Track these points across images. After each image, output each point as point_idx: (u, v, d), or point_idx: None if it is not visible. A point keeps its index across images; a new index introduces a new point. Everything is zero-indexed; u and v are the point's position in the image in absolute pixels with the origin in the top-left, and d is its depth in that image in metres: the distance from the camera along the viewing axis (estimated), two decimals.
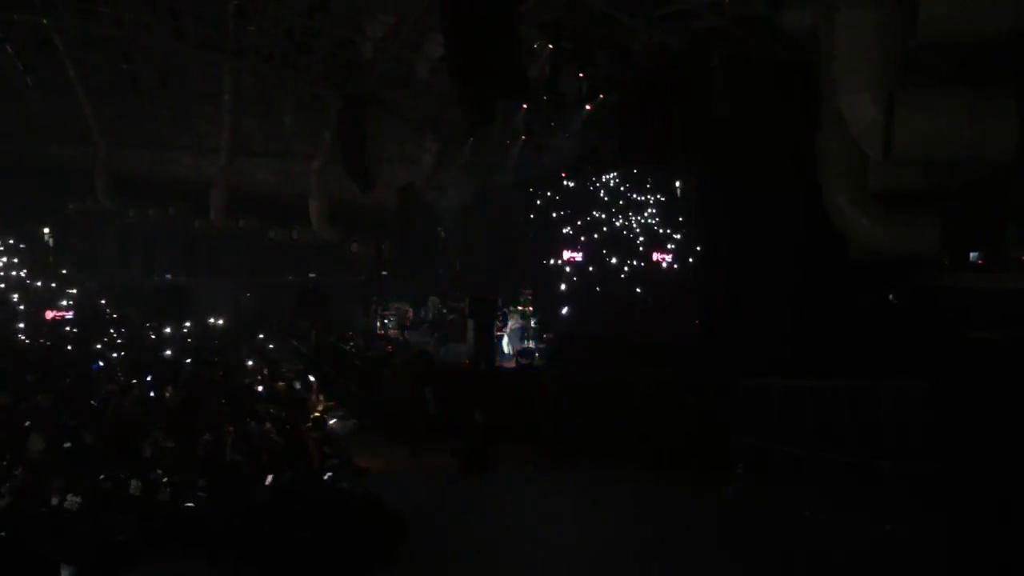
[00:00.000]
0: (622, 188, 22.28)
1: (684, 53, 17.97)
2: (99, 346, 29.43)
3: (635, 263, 20.61)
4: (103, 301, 48.08)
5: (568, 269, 23.26)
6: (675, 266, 18.59)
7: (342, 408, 20.39)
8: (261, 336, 36.39)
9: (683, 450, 14.65)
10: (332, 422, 17.36)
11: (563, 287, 23.23)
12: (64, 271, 50.15)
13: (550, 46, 20.05)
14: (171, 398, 17.33)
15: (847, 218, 15.49)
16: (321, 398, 19.29)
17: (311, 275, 45.16)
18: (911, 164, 14.55)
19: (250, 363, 25.59)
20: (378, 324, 32.14)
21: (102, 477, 11.51)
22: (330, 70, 30.75)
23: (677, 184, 20.44)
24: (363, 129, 29.87)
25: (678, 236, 18.94)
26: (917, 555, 10.46)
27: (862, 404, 13.43)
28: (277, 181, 41.24)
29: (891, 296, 16.78)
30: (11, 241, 51.41)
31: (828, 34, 14.90)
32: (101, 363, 23.80)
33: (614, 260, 22.12)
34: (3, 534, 9.64)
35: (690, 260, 17.53)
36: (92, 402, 17.27)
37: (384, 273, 31.91)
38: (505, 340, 24.12)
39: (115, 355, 26.79)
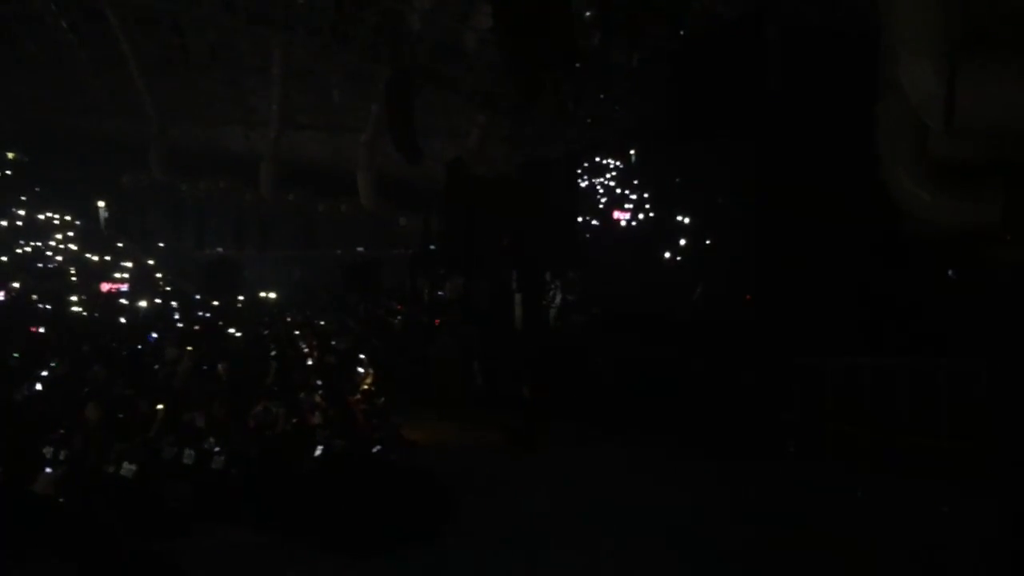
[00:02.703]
0: (669, 162, 21.94)
1: (738, 22, 17.57)
2: (153, 318, 29.98)
3: (684, 238, 20.28)
4: (157, 274, 48.95)
5: (615, 243, 23.02)
6: (725, 242, 18.25)
7: (391, 381, 20.51)
8: (310, 309, 36.80)
9: (733, 428, 14.46)
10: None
11: (610, 262, 23.01)
12: (119, 244, 51.07)
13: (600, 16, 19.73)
14: (223, 370, 17.54)
15: (906, 191, 15.08)
16: (370, 371, 19.38)
17: (359, 248, 45.47)
18: (973, 135, 14.09)
19: (299, 335, 25.82)
20: (425, 296, 32.18)
21: (156, 446, 11.71)
22: (378, 42, 30.71)
23: (728, 158, 20.04)
24: (411, 102, 29.80)
25: (729, 211, 18.54)
26: (972, 538, 10.22)
27: (919, 383, 13.13)
28: (326, 154, 41.46)
29: (950, 272, 16.34)
30: (68, 217, 52.43)
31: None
32: (155, 335, 24.19)
33: (661, 235, 21.84)
34: (61, 500, 9.85)
35: (742, 236, 17.18)
36: (147, 373, 17.58)
37: (432, 247, 31.92)
38: (553, 314, 24.00)
39: (168, 327, 27.24)
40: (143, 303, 35.87)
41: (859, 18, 15.80)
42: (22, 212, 51.62)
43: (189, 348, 20.88)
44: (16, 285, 40.45)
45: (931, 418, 12.79)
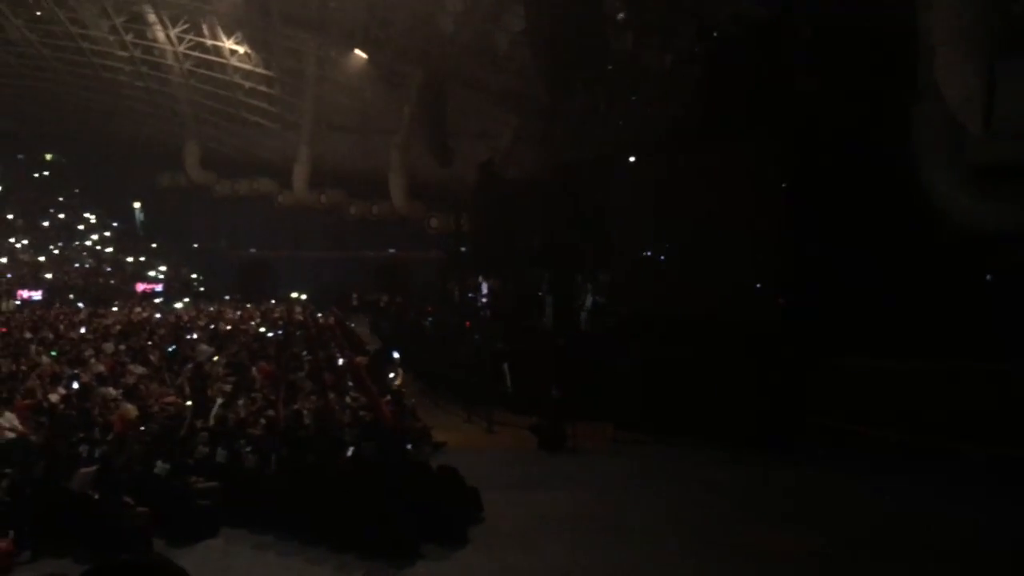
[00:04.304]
0: (701, 162, 21.73)
1: (770, 23, 17.43)
2: (187, 319, 30.30)
3: (711, 239, 20.10)
4: (192, 275, 49.50)
5: (643, 246, 22.88)
6: (755, 243, 18.08)
7: (420, 382, 20.59)
8: (341, 310, 37.02)
9: (761, 430, 14.32)
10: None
11: (639, 264, 22.87)
12: (153, 245, 51.68)
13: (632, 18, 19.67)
14: (256, 370, 17.69)
15: (943, 194, 14.89)
16: (400, 372, 19.45)
17: (391, 250, 45.65)
18: (1013, 137, 13.90)
19: (330, 336, 25.98)
20: (456, 297, 32.20)
21: (189, 445, 11.82)
22: (410, 44, 30.84)
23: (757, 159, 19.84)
24: (443, 104, 29.91)
25: (760, 212, 18.38)
26: (1005, 543, 10.06)
27: (950, 387, 12.92)
28: (358, 156, 41.75)
29: (987, 276, 16.08)
30: (105, 217, 53.13)
31: (925, 1, 14.29)
32: (188, 336, 24.46)
33: (689, 236, 21.62)
34: (96, 498, 9.98)
35: (772, 236, 17.00)
36: (180, 372, 17.77)
37: (463, 249, 31.95)
38: (583, 317, 23.90)
39: (202, 327, 27.52)
40: (179, 304, 36.31)
41: (895, 19, 15.63)
42: (61, 215, 52.42)
43: (222, 350, 21.12)
44: (49, 277, 41.12)
45: (960, 421, 12.58)
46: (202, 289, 46.62)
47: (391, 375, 19.14)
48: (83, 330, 25.43)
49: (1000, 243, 15.24)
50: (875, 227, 15.44)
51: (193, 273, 49.96)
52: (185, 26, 37.52)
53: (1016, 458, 11.59)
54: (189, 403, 13.67)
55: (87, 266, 47.37)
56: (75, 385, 15.83)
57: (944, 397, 13.05)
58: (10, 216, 50.53)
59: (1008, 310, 14.46)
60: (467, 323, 26.13)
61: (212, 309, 35.87)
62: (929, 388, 13.24)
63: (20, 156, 54.09)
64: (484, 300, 28.64)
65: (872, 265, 15.35)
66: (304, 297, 42.68)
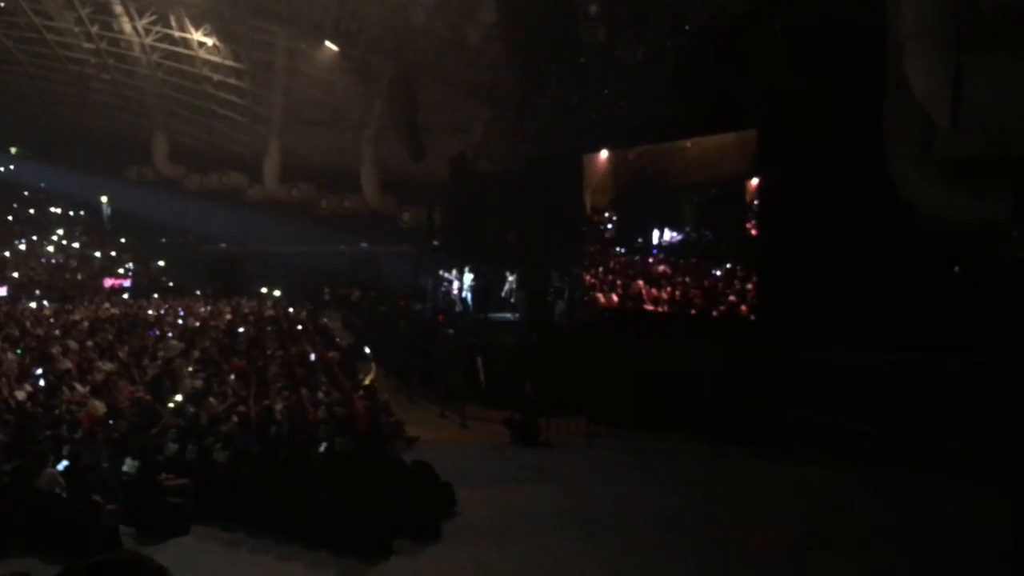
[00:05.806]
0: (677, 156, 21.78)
1: (744, 17, 17.48)
2: (157, 314, 29.94)
3: (689, 234, 20.17)
4: (160, 263, 48.93)
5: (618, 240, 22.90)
6: (732, 236, 18.14)
7: (393, 377, 20.47)
8: (313, 305, 36.75)
9: (740, 425, 14.35)
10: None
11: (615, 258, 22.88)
12: (122, 239, 50.99)
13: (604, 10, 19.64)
14: (227, 367, 17.51)
15: (913, 187, 14.97)
16: (373, 366, 19.34)
17: (363, 244, 45.35)
18: (980, 131, 13.99)
19: (302, 331, 25.80)
20: (428, 290, 32.02)
21: (159, 442, 11.68)
22: (382, 37, 30.60)
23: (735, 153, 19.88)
24: (415, 97, 29.70)
25: (737, 206, 18.45)
26: (985, 535, 10.15)
27: (929, 380, 13.01)
28: (329, 150, 41.41)
29: (958, 269, 16.23)
30: (71, 212, 52.32)
31: None
32: (157, 332, 24.19)
33: (668, 231, 21.68)
34: (64, 495, 9.83)
35: (749, 230, 17.07)
36: (147, 366, 17.58)
37: (436, 243, 31.80)
38: (557, 310, 23.89)
39: (171, 322, 27.23)
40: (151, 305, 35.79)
41: (866, 13, 15.70)
42: (29, 211, 51.57)
43: (192, 345, 20.88)
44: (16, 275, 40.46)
45: (938, 414, 12.69)
46: (171, 284, 46.06)
47: (363, 370, 19.02)
48: (53, 323, 25.04)
49: (969, 236, 15.38)
50: (852, 220, 15.53)
51: (162, 268, 49.37)
52: (152, 17, 36.99)
53: (998, 450, 11.70)
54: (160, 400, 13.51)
55: (53, 261, 46.62)
56: (41, 382, 15.59)
57: (924, 390, 13.15)
58: None
59: (979, 303, 14.61)
60: (440, 317, 26.02)
61: (169, 303, 35.48)
62: (909, 381, 13.33)
63: None
64: (456, 294, 28.49)
65: (851, 258, 15.44)
66: (277, 293, 42.30)
